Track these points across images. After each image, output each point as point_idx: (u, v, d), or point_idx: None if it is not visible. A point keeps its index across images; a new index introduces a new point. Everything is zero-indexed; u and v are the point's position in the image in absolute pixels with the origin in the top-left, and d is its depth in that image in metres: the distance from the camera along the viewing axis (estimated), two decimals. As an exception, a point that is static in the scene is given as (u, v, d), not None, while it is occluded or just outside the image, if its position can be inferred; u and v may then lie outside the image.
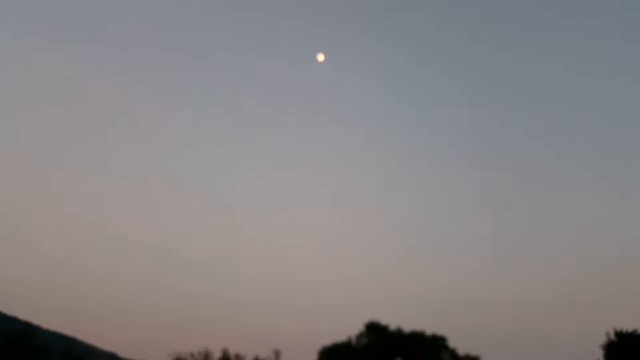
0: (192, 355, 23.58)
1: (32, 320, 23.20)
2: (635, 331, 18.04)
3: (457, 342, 35.78)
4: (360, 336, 36.19)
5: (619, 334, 18.09)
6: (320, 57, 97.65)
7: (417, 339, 34.66)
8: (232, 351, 24.28)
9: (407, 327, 36.01)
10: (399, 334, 35.13)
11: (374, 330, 36.19)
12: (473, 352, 35.97)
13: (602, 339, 18.40)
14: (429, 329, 36.63)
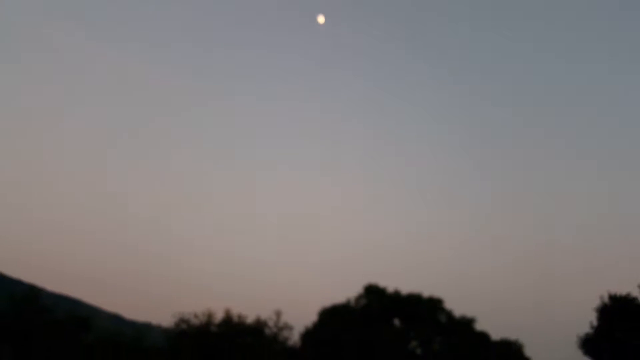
0: (196, 316, 23.99)
1: (36, 283, 23.50)
2: (628, 295, 18.37)
3: (453, 305, 36.51)
4: (359, 298, 36.98)
5: (613, 298, 18.42)
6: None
7: (414, 301, 35.42)
8: (235, 312, 24.72)
9: (405, 289, 36.80)
10: (396, 296, 35.86)
11: (373, 292, 36.92)
12: (469, 314, 36.97)
13: (597, 303, 18.76)
14: (426, 292, 37.44)
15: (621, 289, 18.78)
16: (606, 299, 18.51)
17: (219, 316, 24.42)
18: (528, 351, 36.33)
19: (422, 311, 34.52)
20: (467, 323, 36.16)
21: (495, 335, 36.61)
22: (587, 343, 18.67)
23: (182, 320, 23.69)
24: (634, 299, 18.25)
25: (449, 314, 36.87)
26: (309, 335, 27.59)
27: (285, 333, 27.21)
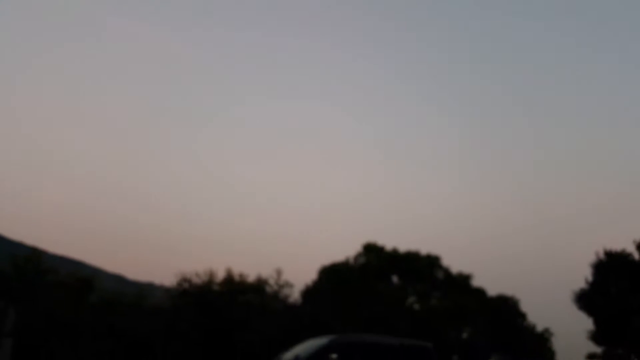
0: (197, 275, 24.39)
1: (37, 245, 23.68)
2: (624, 251, 18.55)
3: (451, 261, 37.17)
4: (357, 256, 37.62)
5: (609, 254, 18.62)
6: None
7: (412, 258, 36.08)
8: (236, 271, 25.14)
9: (403, 248, 37.40)
10: (394, 254, 36.48)
11: (371, 250, 37.50)
12: (465, 270, 37.78)
13: (592, 258, 19.00)
14: (424, 250, 38.10)
15: (617, 246, 19.00)
16: (602, 255, 18.72)
17: (220, 275, 24.87)
18: (523, 307, 37.41)
19: (420, 268, 35.20)
20: (464, 279, 36.95)
21: (492, 291, 37.62)
22: (582, 298, 19.09)
23: (184, 280, 24.12)
24: (629, 255, 18.45)
25: (446, 271, 37.64)
26: (309, 292, 28.22)
27: (285, 291, 27.83)
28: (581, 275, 19.19)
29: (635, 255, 18.45)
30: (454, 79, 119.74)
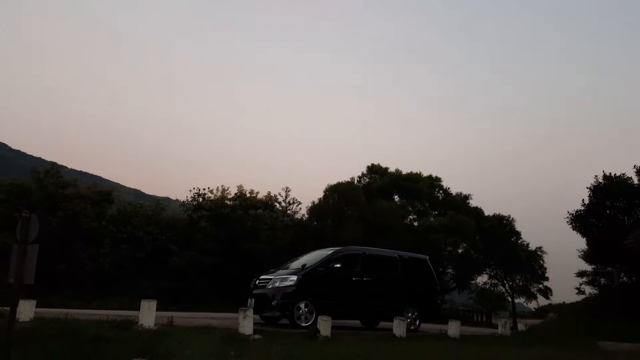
0: (211, 191, 25.43)
1: (57, 161, 24.52)
2: (623, 175, 18.78)
3: (451, 184, 38.12)
4: (362, 176, 38.64)
5: (608, 178, 18.88)
6: None
7: (413, 179, 37.03)
8: (247, 188, 26.17)
9: (405, 170, 38.30)
10: (397, 175, 37.43)
11: (375, 171, 38.44)
12: (464, 192, 38.84)
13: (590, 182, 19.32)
14: (425, 172, 38.96)
15: (618, 171, 19.23)
16: (600, 179, 19.00)
17: (232, 192, 25.92)
18: (518, 226, 38.82)
19: (421, 188, 36.23)
20: (462, 199, 38.10)
21: (490, 212, 38.92)
22: (577, 219, 19.57)
23: (198, 194, 25.23)
24: (628, 179, 18.71)
25: (445, 191, 38.73)
26: (315, 209, 29.45)
27: (293, 207, 29.09)
28: (579, 199, 19.66)
29: (635, 180, 18.74)
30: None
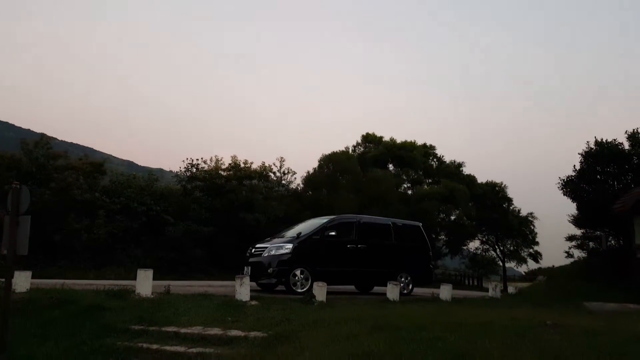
0: (204, 162, 25.28)
1: (47, 132, 24.03)
2: (614, 141, 18.87)
3: (444, 151, 38.28)
4: (357, 146, 38.59)
5: (599, 143, 18.97)
6: None
7: (408, 147, 37.07)
8: (241, 158, 26.02)
9: (400, 139, 38.28)
10: (392, 144, 37.41)
11: (370, 140, 38.37)
12: (458, 160, 39.04)
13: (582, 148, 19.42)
14: (420, 141, 38.98)
15: (610, 137, 19.31)
16: (592, 145, 19.09)
17: (226, 162, 25.77)
18: (510, 193, 39.28)
19: (415, 157, 36.33)
20: (456, 167, 38.31)
21: (483, 179, 39.26)
22: (568, 184, 19.77)
23: (192, 165, 25.07)
24: (620, 144, 18.81)
25: (439, 159, 38.89)
26: (310, 179, 29.49)
27: (288, 177, 29.10)
28: (571, 166, 19.78)
29: (626, 145, 18.84)
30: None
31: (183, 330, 6.53)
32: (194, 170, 24.99)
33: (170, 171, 26.85)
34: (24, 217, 7.15)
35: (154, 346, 6.00)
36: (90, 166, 22.01)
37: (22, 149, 20.76)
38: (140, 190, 21.55)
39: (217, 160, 25.49)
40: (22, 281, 8.17)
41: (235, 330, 6.58)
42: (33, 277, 8.65)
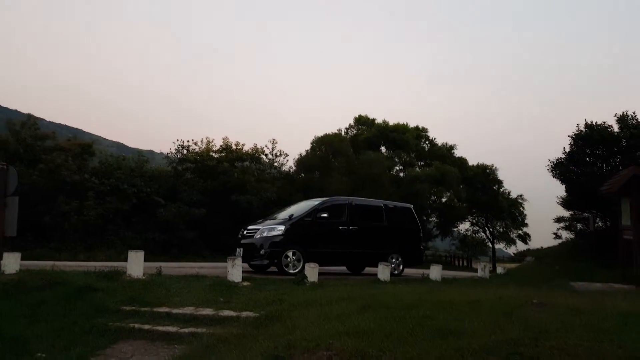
0: (195, 143, 25.07)
1: (34, 113, 23.61)
2: (604, 123, 18.98)
3: (436, 134, 38.52)
4: (349, 128, 38.49)
5: (589, 126, 19.08)
6: None
7: (400, 130, 37.06)
8: (232, 140, 25.83)
9: (393, 121, 38.27)
10: (384, 126, 37.36)
11: (362, 123, 38.27)
12: (450, 142, 39.24)
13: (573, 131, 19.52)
14: (412, 123, 39.00)
15: (599, 120, 19.41)
16: (582, 127, 19.19)
17: (217, 144, 25.58)
18: (501, 175, 39.68)
19: (407, 139, 36.38)
20: (448, 149, 38.46)
21: (475, 161, 39.55)
22: (558, 167, 19.93)
23: (183, 147, 24.85)
24: (609, 127, 18.94)
25: (431, 142, 39.01)
26: (302, 161, 29.43)
27: (280, 159, 29.02)
28: (561, 149, 19.90)
29: (615, 128, 18.99)
30: None
31: (175, 311, 6.56)
32: (185, 152, 24.80)
33: (161, 153, 26.65)
34: (12, 198, 7.06)
35: (146, 326, 6.03)
36: (79, 147, 21.74)
37: (9, 129, 20.42)
38: (130, 171, 21.36)
39: (209, 142, 25.30)
40: (11, 262, 8.11)
41: (227, 310, 6.63)
42: (23, 258, 8.58)
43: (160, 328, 5.99)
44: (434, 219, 37.72)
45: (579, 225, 22.31)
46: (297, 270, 10.82)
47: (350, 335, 4.41)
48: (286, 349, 4.38)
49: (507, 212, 38.71)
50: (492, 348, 3.78)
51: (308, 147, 30.94)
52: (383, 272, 10.85)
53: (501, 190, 39.36)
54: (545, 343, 3.82)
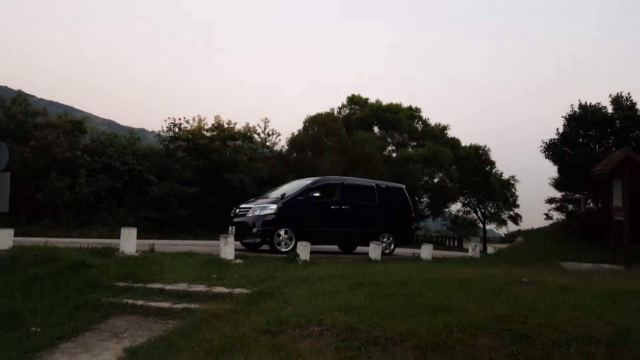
0: (187, 122, 24.79)
1: (24, 90, 23.08)
2: (598, 104, 19.02)
3: (430, 114, 38.54)
4: (342, 107, 38.25)
5: (582, 107, 19.12)
6: None
7: (393, 110, 36.90)
8: (224, 118, 25.56)
9: (386, 101, 38.04)
10: (377, 106, 37.16)
11: (355, 102, 38.03)
12: (443, 122, 39.22)
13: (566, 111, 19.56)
14: (406, 103, 38.87)
15: (594, 101, 19.43)
16: (576, 108, 19.22)
17: (209, 122, 25.31)
18: (494, 156, 39.83)
19: (400, 119, 36.29)
20: (440, 130, 38.45)
21: (466, 142, 39.61)
22: (551, 147, 20.03)
23: (174, 125, 24.58)
24: (603, 108, 18.98)
25: (425, 122, 38.94)
26: (294, 140, 29.31)
27: (273, 139, 28.87)
28: (555, 130, 19.95)
29: (609, 109, 19.03)
30: None
31: (168, 287, 6.61)
32: (177, 130, 24.55)
33: (153, 131, 26.30)
34: (3, 173, 6.97)
35: (139, 302, 6.08)
36: (70, 124, 21.41)
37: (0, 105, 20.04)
38: (122, 149, 21.15)
39: (200, 120, 25.00)
40: (4, 238, 8.08)
41: (220, 287, 6.69)
42: (16, 235, 8.56)
43: (154, 304, 6.05)
44: (425, 199, 37.95)
45: (570, 207, 22.58)
46: (289, 248, 10.89)
47: (341, 311, 4.47)
48: (278, 325, 4.45)
49: (499, 193, 39.03)
50: (482, 324, 3.86)
51: (300, 126, 30.81)
52: (374, 251, 10.96)
53: (493, 171, 39.58)
54: (534, 320, 3.91)
